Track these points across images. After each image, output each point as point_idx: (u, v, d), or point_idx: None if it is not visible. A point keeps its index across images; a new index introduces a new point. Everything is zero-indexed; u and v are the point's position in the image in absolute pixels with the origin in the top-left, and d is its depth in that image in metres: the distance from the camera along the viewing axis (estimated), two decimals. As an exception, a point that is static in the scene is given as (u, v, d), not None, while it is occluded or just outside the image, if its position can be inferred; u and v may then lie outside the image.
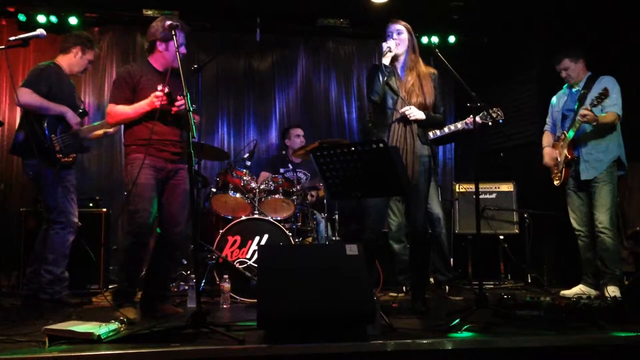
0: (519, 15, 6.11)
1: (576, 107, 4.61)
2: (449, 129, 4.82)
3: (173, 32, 3.51)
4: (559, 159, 4.71)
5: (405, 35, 3.88)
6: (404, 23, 3.92)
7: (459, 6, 6.22)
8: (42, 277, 4.09)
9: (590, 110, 4.31)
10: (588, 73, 4.70)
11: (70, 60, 4.39)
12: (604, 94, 4.30)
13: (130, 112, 3.66)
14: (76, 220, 4.28)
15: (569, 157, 4.60)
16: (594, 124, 4.39)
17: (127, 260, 3.67)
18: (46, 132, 4.10)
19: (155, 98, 3.56)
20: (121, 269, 3.79)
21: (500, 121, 4.65)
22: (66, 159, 4.18)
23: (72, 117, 4.23)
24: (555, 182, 4.77)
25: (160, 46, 3.77)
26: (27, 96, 4.06)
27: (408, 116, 3.73)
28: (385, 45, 3.81)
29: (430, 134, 4.63)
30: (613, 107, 4.43)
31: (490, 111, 4.60)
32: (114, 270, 5.47)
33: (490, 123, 4.70)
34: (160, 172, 3.72)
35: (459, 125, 4.79)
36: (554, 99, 4.95)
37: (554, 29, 5.75)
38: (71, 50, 4.39)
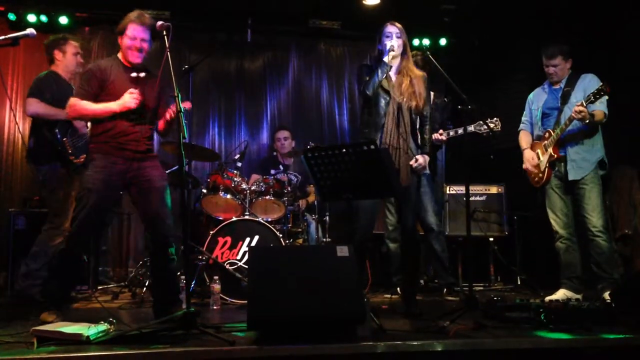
0: (510, 19, 6.14)
1: (560, 105, 4.50)
2: (448, 134, 5.01)
3: (164, 33, 3.42)
4: (541, 159, 4.55)
5: (402, 38, 3.86)
6: (399, 26, 3.89)
7: (450, 9, 6.25)
8: (20, 267, 4.13)
9: (586, 108, 4.16)
10: (570, 71, 4.58)
11: (61, 65, 4.47)
12: (603, 91, 4.12)
13: (94, 111, 3.50)
14: (67, 225, 4.27)
15: (555, 156, 4.44)
16: (586, 122, 4.24)
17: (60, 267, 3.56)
18: (57, 136, 4.20)
19: (130, 99, 3.46)
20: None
21: (495, 132, 4.76)
22: (78, 160, 4.27)
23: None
24: (535, 184, 4.61)
25: (121, 40, 3.65)
26: (35, 105, 4.22)
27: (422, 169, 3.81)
28: (389, 44, 3.78)
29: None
30: (601, 106, 4.29)
31: (488, 121, 4.74)
32: (103, 271, 5.43)
33: (484, 134, 4.83)
34: (122, 174, 3.55)
35: (460, 130, 4.84)
36: (530, 97, 4.80)
37: (544, 32, 5.77)
38: (55, 57, 4.47)
